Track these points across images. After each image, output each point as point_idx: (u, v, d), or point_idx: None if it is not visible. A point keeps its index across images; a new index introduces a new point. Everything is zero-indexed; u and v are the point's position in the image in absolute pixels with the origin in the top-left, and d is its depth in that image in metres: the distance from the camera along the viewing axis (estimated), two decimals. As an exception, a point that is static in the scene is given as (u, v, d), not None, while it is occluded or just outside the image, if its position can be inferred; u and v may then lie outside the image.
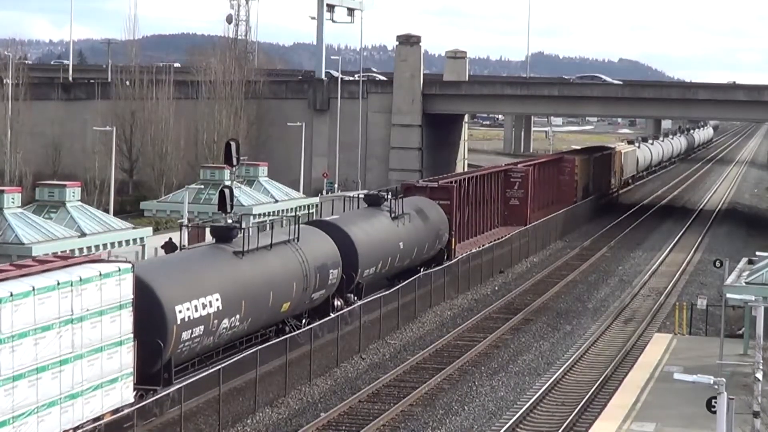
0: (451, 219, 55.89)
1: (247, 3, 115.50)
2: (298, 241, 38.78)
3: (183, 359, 31.66)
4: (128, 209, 72.40)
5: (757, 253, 45.23)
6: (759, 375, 27.82)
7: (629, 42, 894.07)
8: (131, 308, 28.65)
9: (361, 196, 53.18)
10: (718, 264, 42.34)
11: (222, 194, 41.86)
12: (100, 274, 27.57)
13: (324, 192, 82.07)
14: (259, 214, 61.94)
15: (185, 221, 53.06)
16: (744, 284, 38.37)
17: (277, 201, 65.89)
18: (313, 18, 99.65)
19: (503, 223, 68.81)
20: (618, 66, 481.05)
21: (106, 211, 56.89)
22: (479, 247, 59.11)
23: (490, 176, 67.27)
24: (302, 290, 38.27)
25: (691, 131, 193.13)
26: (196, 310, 31.51)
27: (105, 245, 47.80)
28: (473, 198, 62.50)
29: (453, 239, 56.32)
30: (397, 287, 45.69)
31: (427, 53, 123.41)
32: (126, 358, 28.50)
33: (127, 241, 49.70)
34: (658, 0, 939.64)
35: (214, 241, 36.37)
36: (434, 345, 42.10)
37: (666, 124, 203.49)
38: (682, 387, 29.00)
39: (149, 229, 52.82)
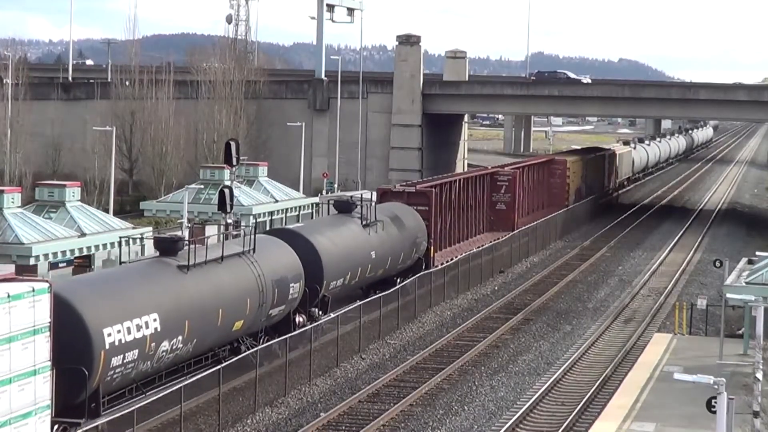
0: (429, 226, 52.72)
1: (247, 3, 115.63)
2: (253, 252, 35.47)
3: (115, 387, 28.52)
4: (128, 209, 72.46)
5: (757, 253, 45.25)
6: (759, 375, 27.83)
7: (629, 42, 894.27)
8: (48, 333, 25.40)
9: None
10: (718, 264, 42.33)
11: (222, 194, 41.86)
12: (9, 296, 24.33)
13: (324, 192, 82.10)
14: (259, 214, 61.98)
15: (185, 221, 53.09)
16: (744, 284, 38.38)
17: (277, 201, 65.93)
18: (313, 18, 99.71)
19: (489, 228, 65.82)
20: (618, 66, 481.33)
21: (106, 211, 56.94)
22: (462, 254, 56.06)
23: (474, 180, 64.47)
24: (258, 306, 35.03)
25: (691, 131, 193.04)
26: (129, 333, 28.36)
27: (105, 245, 47.81)
28: (456, 203, 59.76)
29: (432, 247, 53.18)
30: (366, 300, 43.07)
31: (427, 53, 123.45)
32: (42, 389, 25.21)
33: (127, 241, 49.59)
34: (658, 0, 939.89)
35: (157, 254, 33.12)
36: (434, 345, 42.09)
37: (666, 123, 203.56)
38: (682, 387, 29.02)
39: (149, 229, 52.80)
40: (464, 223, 61.44)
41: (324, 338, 39.59)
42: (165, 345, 29.98)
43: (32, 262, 43.28)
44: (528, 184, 73.29)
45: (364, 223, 45.69)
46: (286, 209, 66.08)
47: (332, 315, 40.38)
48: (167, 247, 32.80)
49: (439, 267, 51.99)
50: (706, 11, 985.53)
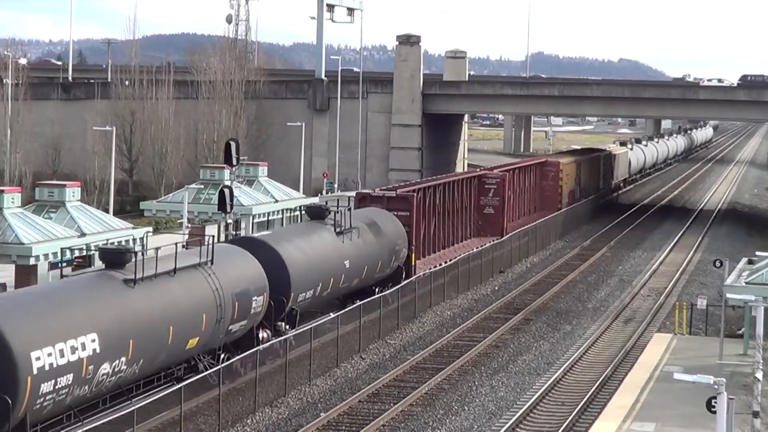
0: (411, 232, 49.91)
1: (247, 3, 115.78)
2: (211, 264, 32.83)
3: (47, 415, 26.00)
4: (128, 209, 72.48)
5: (757, 253, 45.25)
6: (759, 375, 27.83)
7: (629, 42, 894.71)
8: None
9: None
10: (718, 264, 42.34)
11: (222, 194, 41.92)
12: None
13: (324, 192, 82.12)
14: (259, 215, 61.96)
15: (185, 221, 53.14)
16: (744, 284, 38.39)
17: (277, 201, 65.90)
18: (313, 18, 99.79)
19: (477, 233, 63.28)
20: (618, 66, 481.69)
21: (106, 211, 56.94)
22: (446, 261, 53.70)
23: (461, 183, 61.73)
24: (215, 322, 32.37)
25: (691, 131, 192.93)
26: (63, 356, 25.70)
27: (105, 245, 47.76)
28: (441, 207, 57.32)
29: (413, 255, 50.42)
30: (342, 311, 41.00)
31: (427, 53, 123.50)
32: None
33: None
34: (658, 0, 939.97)
35: (103, 267, 30.36)
36: (434, 345, 42.08)
37: (666, 124, 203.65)
38: (682, 387, 29.03)
39: (149, 229, 52.79)
40: (450, 229, 59.12)
41: (324, 338, 39.57)
42: (105, 367, 27.28)
43: (32, 262, 43.23)
44: (518, 187, 71.54)
45: (337, 230, 42.82)
46: (285, 209, 66.05)
47: (303, 328, 37.73)
48: (113, 259, 30.05)
49: (420, 275, 49.38)
50: (706, 11, 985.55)
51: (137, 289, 29.25)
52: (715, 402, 23.10)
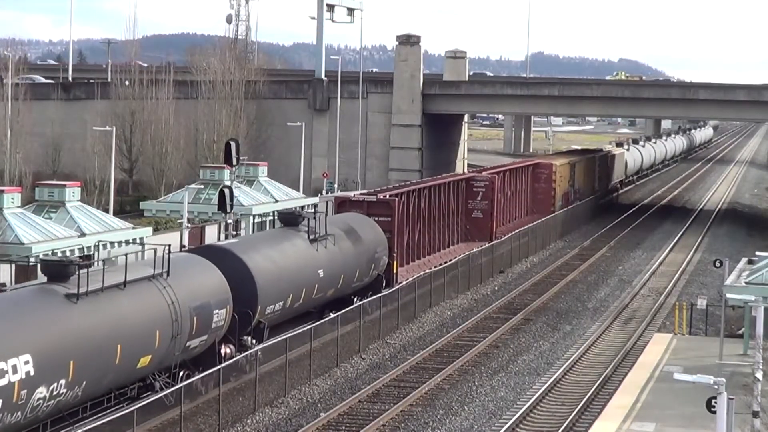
0: (392, 238, 47.72)
1: (247, 3, 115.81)
2: (167, 275, 30.63)
3: None
4: (128, 209, 72.45)
5: (757, 253, 45.24)
6: (759, 375, 27.84)
7: (629, 42, 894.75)
8: None
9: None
10: (718, 264, 42.35)
11: (222, 194, 41.91)
12: None
13: (324, 192, 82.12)
14: (259, 215, 61.97)
15: (185, 221, 53.12)
16: (744, 284, 38.38)
17: (277, 201, 65.90)
18: (313, 18, 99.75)
19: (464, 239, 61.10)
20: (618, 66, 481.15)
21: (106, 211, 56.93)
22: (430, 268, 51.85)
23: (448, 186, 59.44)
24: (171, 338, 30.15)
25: (691, 131, 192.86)
26: None
27: (105, 245, 47.79)
28: (426, 212, 55.09)
29: (395, 262, 48.17)
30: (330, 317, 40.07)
31: (427, 53, 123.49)
32: None
33: (127, 242, 49.64)
34: (659, 0, 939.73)
35: (45, 280, 28.02)
36: (434, 345, 42.09)
37: (666, 124, 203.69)
38: (682, 387, 29.03)
39: (149, 229, 52.82)
40: (436, 234, 56.96)
41: (325, 338, 39.55)
42: (41, 391, 25.14)
43: (32, 262, 43.21)
44: (509, 190, 69.88)
45: (311, 237, 40.46)
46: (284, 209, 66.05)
47: (272, 341, 35.55)
48: (55, 271, 27.60)
49: (403, 283, 47.34)
50: (706, 11, 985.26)
51: (80, 305, 26.98)
52: (715, 402, 23.10)
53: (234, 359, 33.60)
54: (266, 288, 35.76)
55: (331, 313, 40.55)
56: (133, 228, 51.59)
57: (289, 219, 41.87)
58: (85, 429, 26.42)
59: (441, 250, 57.20)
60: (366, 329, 41.83)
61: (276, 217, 43.13)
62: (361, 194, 51.47)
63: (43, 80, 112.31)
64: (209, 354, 33.14)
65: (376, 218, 47.67)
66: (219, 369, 31.94)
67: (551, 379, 37.30)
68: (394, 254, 48.07)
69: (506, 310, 49.78)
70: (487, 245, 59.73)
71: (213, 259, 34.09)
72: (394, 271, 48.11)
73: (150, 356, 29.46)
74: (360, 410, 33.52)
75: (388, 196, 49.69)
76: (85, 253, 46.14)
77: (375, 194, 50.54)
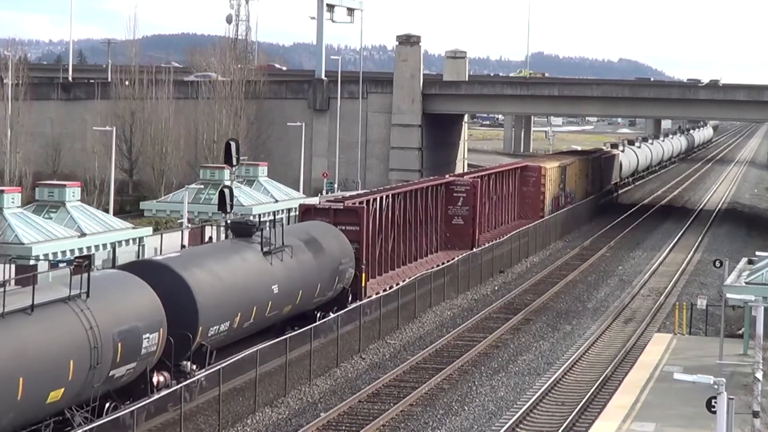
0: (360, 249, 44.23)
1: (247, 3, 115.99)
2: (87, 296, 27.06)
3: None
4: (128, 209, 72.49)
5: (757, 253, 45.26)
6: (759, 375, 27.84)
7: (629, 42, 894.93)
8: None
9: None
10: (718, 264, 42.37)
11: (222, 194, 41.79)
12: None
13: (324, 192, 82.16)
14: (259, 215, 61.98)
15: (185, 221, 53.18)
16: (744, 284, 38.39)
17: (277, 201, 65.94)
18: (313, 18, 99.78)
19: (444, 247, 57.94)
20: (618, 66, 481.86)
21: (106, 211, 56.98)
22: (403, 280, 48.62)
23: (425, 191, 55.92)
24: (89, 368, 26.56)
25: (690, 131, 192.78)
26: None
27: (105, 245, 47.84)
28: (401, 219, 51.88)
29: (363, 275, 44.60)
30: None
31: (427, 53, 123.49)
32: None
33: (127, 241, 49.70)
34: (659, 0, 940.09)
35: None
36: (434, 345, 42.09)
37: (666, 124, 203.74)
38: (682, 387, 29.02)
39: (149, 229, 52.86)
40: (412, 242, 53.68)
41: (325, 338, 39.56)
42: None
43: (32, 262, 43.23)
44: (494, 194, 67.06)
45: (265, 249, 36.74)
46: (285, 209, 66.09)
47: (215, 367, 32.02)
48: None
49: (373, 297, 44.16)
50: (706, 11, 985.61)
51: None
52: (715, 402, 23.10)
53: (172, 389, 30.21)
54: (209, 307, 32.12)
55: (293, 329, 37.58)
56: (133, 228, 51.61)
57: (242, 229, 37.94)
58: (84, 429, 26.39)
59: (418, 260, 54.03)
60: (366, 329, 41.83)
61: (227, 228, 39.03)
62: (327, 201, 47.69)
63: None
64: (140, 383, 29.50)
65: (344, 227, 44.23)
66: (149, 400, 29.03)
67: (551, 379, 37.30)
68: (363, 266, 44.57)
69: (506, 310, 49.79)
70: (467, 253, 56.38)
71: (146, 276, 30.47)
72: (363, 284, 44.58)
73: (62, 389, 25.80)
74: (360, 410, 33.52)
75: (357, 203, 46.36)
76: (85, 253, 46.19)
77: (342, 201, 46.62)
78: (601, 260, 66.40)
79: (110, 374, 27.70)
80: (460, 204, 59.59)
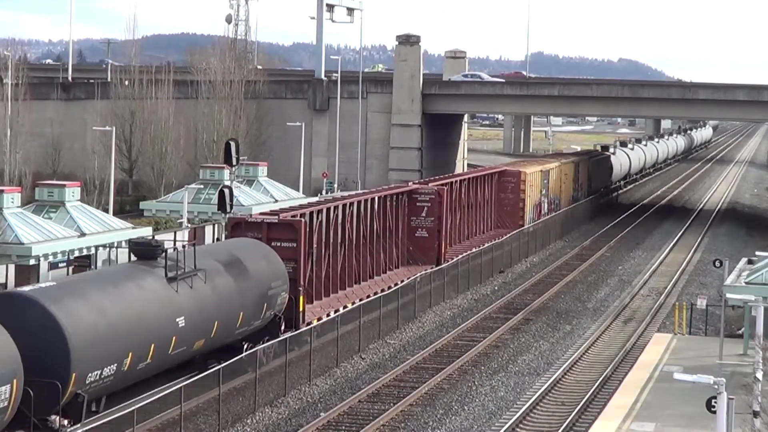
0: (298, 269, 38.61)
1: (247, 3, 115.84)
2: None
3: None
4: (128, 209, 72.52)
5: (757, 253, 45.28)
6: (759, 375, 27.85)
7: (629, 42, 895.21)
8: None
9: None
10: (718, 264, 42.38)
11: (222, 194, 41.82)
12: None
13: (324, 192, 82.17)
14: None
15: (184, 221, 53.19)
16: (744, 284, 38.43)
17: (276, 201, 65.95)
18: (312, 18, 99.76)
19: (406, 262, 53.00)
20: (618, 66, 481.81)
21: (106, 211, 57.01)
22: (351, 303, 43.12)
23: (383, 200, 50.63)
24: None
25: (690, 131, 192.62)
26: None
27: (105, 245, 47.85)
28: (353, 232, 46.59)
29: (302, 298, 39.00)
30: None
31: (427, 53, 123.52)
32: None
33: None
34: (658, 0, 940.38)
35: None
36: (434, 345, 42.10)
37: (666, 123, 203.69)
38: (682, 387, 29.02)
39: (149, 229, 52.87)
40: (367, 258, 48.42)
41: (324, 338, 39.54)
42: None
43: (32, 262, 43.27)
44: (466, 202, 62.28)
45: (169, 275, 31.05)
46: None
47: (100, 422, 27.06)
48: None
49: (312, 325, 38.66)
50: (706, 11, 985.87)
51: None
52: (715, 402, 23.11)
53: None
54: (86, 348, 26.49)
55: (217, 363, 32.79)
56: (133, 228, 51.64)
57: (144, 251, 32.08)
58: (84, 429, 26.39)
59: (374, 278, 48.89)
60: (366, 329, 41.83)
61: (129, 249, 33.51)
62: (261, 214, 41.80)
63: None
64: None
65: (279, 243, 38.54)
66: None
67: (551, 379, 37.32)
68: (300, 288, 38.86)
69: (506, 310, 49.79)
70: (431, 269, 51.67)
71: (1, 312, 25.47)
72: (300, 308, 38.90)
73: None
74: (360, 410, 33.53)
75: (297, 216, 40.39)
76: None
77: (277, 214, 40.75)
78: (601, 260, 66.37)
79: None
80: (423, 214, 54.15)
